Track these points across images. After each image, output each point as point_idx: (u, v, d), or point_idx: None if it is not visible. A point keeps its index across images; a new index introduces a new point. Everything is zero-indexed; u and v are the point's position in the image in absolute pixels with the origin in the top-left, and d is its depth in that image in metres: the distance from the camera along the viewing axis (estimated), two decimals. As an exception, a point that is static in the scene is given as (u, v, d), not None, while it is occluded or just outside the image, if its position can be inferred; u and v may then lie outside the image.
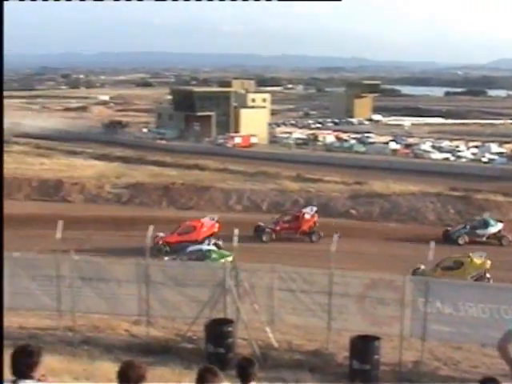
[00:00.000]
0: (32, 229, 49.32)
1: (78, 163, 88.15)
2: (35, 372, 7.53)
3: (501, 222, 53.62)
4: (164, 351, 20.95)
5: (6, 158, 71.95)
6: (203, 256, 39.89)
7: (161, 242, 45.30)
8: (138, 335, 23.05)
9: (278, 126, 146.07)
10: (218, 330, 20.63)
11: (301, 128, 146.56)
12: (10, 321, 23.30)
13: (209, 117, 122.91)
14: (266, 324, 21.83)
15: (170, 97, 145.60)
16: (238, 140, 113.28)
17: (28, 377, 7.45)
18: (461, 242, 51.03)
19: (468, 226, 52.91)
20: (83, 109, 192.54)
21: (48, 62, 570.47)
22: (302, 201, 62.87)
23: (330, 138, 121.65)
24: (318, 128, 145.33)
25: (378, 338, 19.99)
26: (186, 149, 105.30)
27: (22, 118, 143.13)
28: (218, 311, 21.53)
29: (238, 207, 63.84)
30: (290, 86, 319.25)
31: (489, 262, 39.45)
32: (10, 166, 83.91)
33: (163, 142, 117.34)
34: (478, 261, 39.66)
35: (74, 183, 71.30)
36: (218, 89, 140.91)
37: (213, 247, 43.49)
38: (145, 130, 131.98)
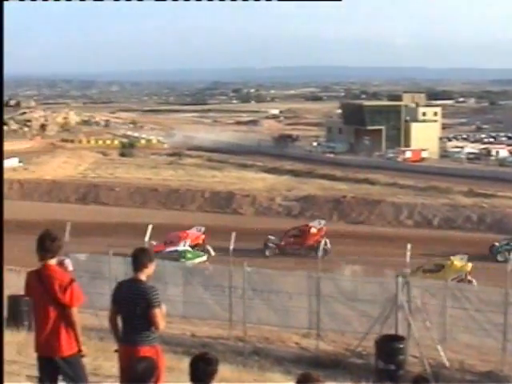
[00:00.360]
0: (206, 239, 50.33)
1: (248, 176, 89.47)
2: (213, 380, 7.63)
3: None
4: (333, 365, 20.91)
5: (179, 170, 74.65)
6: (179, 256, 44.35)
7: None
8: (308, 348, 23.10)
9: (450, 140, 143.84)
10: (389, 347, 20.39)
11: (473, 142, 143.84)
12: (183, 329, 23.85)
13: (379, 131, 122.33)
14: (438, 342, 21.47)
15: (339, 111, 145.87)
16: (408, 154, 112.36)
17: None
18: (500, 258, 48.20)
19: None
20: (254, 123, 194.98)
21: (220, 76, 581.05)
22: (475, 216, 61.73)
23: (503, 152, 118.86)
24: (490, 142, 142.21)
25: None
26: (355, 163, 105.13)
27: (195, 131, 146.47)
28: (389, 327, 21.30)
29: (408, 222, 63.26)
30: (461, 99, 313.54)
31: (470, 265, 39.90)
32: (183, 178, 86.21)
33: (331, 155, 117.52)
34: (458, 263, 40.26)
35: (245, 195, 72.35)
36: (389, 102, 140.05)
37: (188, 248, 48.13)
38: (314, 143, 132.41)
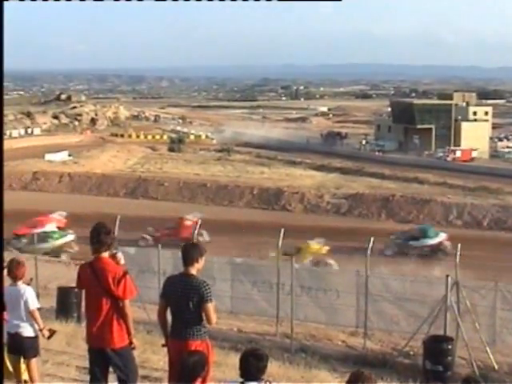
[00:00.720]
0: (253, 235, 50.35)
1: (297, 173, 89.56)
2: (263, 375, 7.66)
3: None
4: (380, 364, 20.85)
5: (228, 166, 75.10)
6: (46, 237, 48.27)
7: None
8: (355, 346, 23.07)
9: (500, 140, 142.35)
10: (438, 347, 20.29)
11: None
12: (230, 324, 23.96)
13: (429, 130, 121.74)
14: (487, 344, 21.30)
15: (389, 109, 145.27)
16: (458, 154, 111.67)
17: (257, 379, 7.58)
18: (387, 253, 48.38)
19: (401, 237, 51.53)
20: (303, 120, 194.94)
21: (269, 73, 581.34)
22: (526, 217, 61.35)
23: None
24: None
25: None
26: (404, 161, 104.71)
27: (244, 127, 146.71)
28: (437, 328, 21.18)
29: (458, 222, 62.90)
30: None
31: (326, 248, 42.17)
32: (232, 174, 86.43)
33: (380, 154, 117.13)
34: (314, 246, 42.75)
35: (294, 192, 72.42)
36: (439, 101, 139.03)
37: (54, 229, 51.49)
38: (363, 141, 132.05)
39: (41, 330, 11.00)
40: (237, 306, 24.51)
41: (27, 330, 10.85)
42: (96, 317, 9.19)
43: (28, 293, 10.93)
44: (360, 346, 22.80)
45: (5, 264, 10.04)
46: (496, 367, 21.17)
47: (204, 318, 8.98)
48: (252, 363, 7.65)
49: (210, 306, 8.94)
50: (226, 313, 24.08)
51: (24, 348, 10.82)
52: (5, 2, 7.30)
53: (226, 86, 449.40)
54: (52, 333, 11.29)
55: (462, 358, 21.22)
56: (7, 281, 10.54)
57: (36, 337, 10.95)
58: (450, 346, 20.40)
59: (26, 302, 10.83)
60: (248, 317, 24.86)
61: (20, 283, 10.86)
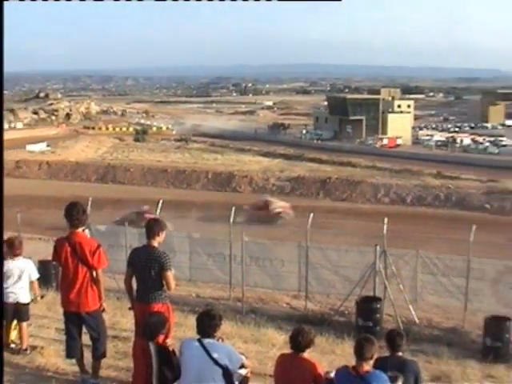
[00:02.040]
0: (208, 213, 50.32)
1: (246, 159, 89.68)
2: (216, 332, 7.71)
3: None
4: (319, 322, 21.00)
5: (186, 154, 74.53)
6: None
7: None
8: (297, 308, 23.24)
9: (421, 129, 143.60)
10: (368, 306, 20.54)
11: (441, 131, 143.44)
12: (189, 290, 24.00)
13: (360, 120, 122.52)
14: (410, 302, 21.60)
15: (326, 103, 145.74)
16: (385, 141, 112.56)
17: (210, 336, 7.63)
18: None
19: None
20: (251, 113, 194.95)
21: (222, 72, 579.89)
22: (442, 195, 61.93)
23: (466, 140, 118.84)
24: (456, 131, 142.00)
25: (509, 319, 19.44)
26: (339, 148, 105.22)
27: (200, 120, 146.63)
28: (368, 290, 21.41)
29: (385, 199, 63.38)
30: (431, 94, 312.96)
31: None
32: (189, 160, 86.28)
33: (318, 142, 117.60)
34: None
35: (244, 176, 72.46)
36: (369, 96, 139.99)
37: None
38: (304, 131, 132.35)
39: (37, 298, 11.18)
40: (195, 274, 24.54)
41: (26, 298, 10.91)
42: (73, 284, 9.17)
43: (30, 265, 11.07)
44: (302, 307, 22.96)
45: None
46: (417, 322, 21.47)
47: (164, 284, 9.01)
48: (206, 322, 7.71)
49: (170, 274, 8.96)
50: (186, 281, 24.09)
51: (21, 314, 10.88)
52: (5, 2, 7.14)
53: (183, 83, 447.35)
54: (42, 298, 11.51)
55: (388, 315, 21.46)
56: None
57: (29, 303, 10.99)
58: (378, 305, 20.65)
59: (29, 274, 10.93)
60: (205, 284, 24.90)
61: (21, 258, 10.89)
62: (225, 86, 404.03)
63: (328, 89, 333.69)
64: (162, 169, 78.29)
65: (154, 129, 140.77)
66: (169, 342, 8.20)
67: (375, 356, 7.51)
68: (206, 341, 7.60)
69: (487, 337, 19.13)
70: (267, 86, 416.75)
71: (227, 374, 7.56)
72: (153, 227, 9.22)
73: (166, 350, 8.00)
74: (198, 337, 7.71)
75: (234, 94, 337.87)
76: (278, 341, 14.18)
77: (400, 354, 8.25)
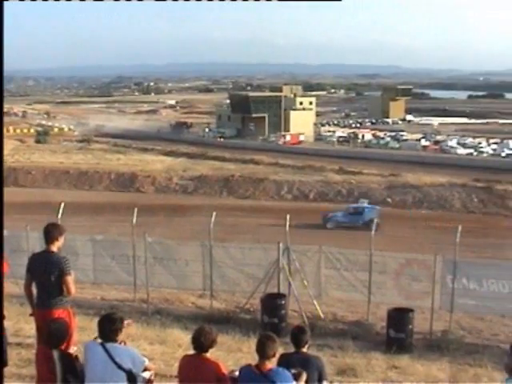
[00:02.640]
0: (111, 215, 49.75)
1: (149, 159, 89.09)
2: (118, 336, 7.65)
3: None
4: (225, 321, 21.03)
5: (88, 155, 73.60)
6: None
7: None
8: (203, 307, 23.21)
9: (323, 125, 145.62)
10: (273, 303, 20.67)
11: (342, 127, 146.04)
12: (94, 293, 23.71)
13: (262, 118, 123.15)
14: (314, 298, 21.82)
15: (228, 101, 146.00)
16: (287, 138, 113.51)
17: (112, 340, 7.57)
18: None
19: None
20: (153, 112, 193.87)
21: (123, 71, 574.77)
22: (345, 191, 62.83)
23: (368, 135, 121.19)
24: (357, 127, 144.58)
25: (411, 310, 19.88)
26: (242, 146, 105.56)
27: (102, 120, 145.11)
28: (272, 286, 21.55)
29: (288, 196, 63.90)
30: (332, 90, 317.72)
31: None
32: (92, 161, 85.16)
33: (221, 140, 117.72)
34: None
35: (147, 176, 72.06)
36: (270, 93, 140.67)
37: None
38: (206, 129, 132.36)
39: None
40: (99, 277, 24.23)
41: None
42: None
43: None
44: (208, 306, 22.93)
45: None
46: (322, 316, 21.68)
47: (64, 289, 8.88)
48: (107, 326, 7.63)
49: (69, 279, 8.85)
50: (90, 283, 23.81)
51: None
52: (5, 2, 6.98)
53: (85, 83, 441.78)
54: None
55: (294, 310, 21.64)
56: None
57: None
58: (283, 302, 20.79)
59: None
60: (109, 286, 24.61)
61: None
62: (127, 86, 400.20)
63: (230, 87, 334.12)
64: (64, 170, 77.07)
65: (56, 130, 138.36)
66: (72, 349, 8.10)
67: (278, 353, 7.56)
68: (109, 345, 7.53)
69: (391, 328, 19.50)
70: (169, 84, 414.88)
71: (131, 377, 7.51)
72: (51, 232, 9.07)
73: (69, 357, 7.89)
74: (99, 341, 7.63)
75: (137, 94, 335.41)
76: (183, 341, 14.10)
77: (304, 350, 8.31)
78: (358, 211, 51.37)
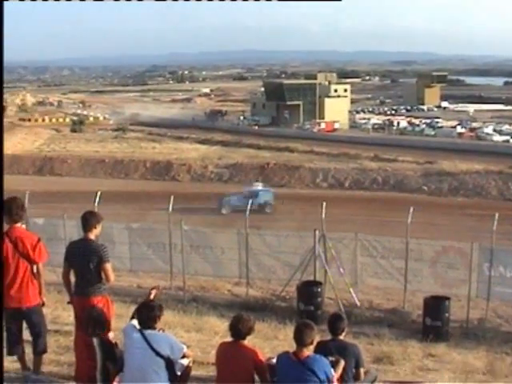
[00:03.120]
0: (147, 203, 49.98)
1: (184, 147, 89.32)
2: (157, 323, 7.70)
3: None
4: (261, 308, 21.11)
5: (123, 144, 73.68)
6: None
7: None
8: (239, 294, 23.30)
9: (358, 112, 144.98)
10: (309, 291, 20.68)
11: (377, 114, 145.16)
12: (130, 281, 23.87)
13: (297, 105, 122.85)
14: (350, 285, 21.81)
15: (262, 89, 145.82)
16: (322, 126, 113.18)
17: (151, 327, 7.62)
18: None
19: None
20: (188, 100, 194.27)
21: (158, 61, 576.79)
22: (380, 178, 62.56)
23: (403, 123, 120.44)
24: (392, 114, 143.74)
25: (448, 298, 19.80)
26: (277, 133, 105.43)
27: (138, 109, 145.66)
28: (308, 274, 21.56)
29: (323, 184, 63.77)
30: (367, 77, 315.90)
31: None
32: (127, 150, 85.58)
33: (256, 128, 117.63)
34: None
35: (182, 164, 72.28)
36: (305, 81, 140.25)
37: None
38: (241, 117, 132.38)
39: None
40: (135, 265, 24.43)
41: None
42: (14, 279, 9.03)
43: None
44: (243, 294, 23.04)
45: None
46: (358, 304, 21.69)
47: (103, 276, 8.94)
48: (145, 313, 7.70)
49: (108, 266, 8.90)
50: (126, 271, 24.01)
51: None
52: (5, 2, 7.03)
53: (119, 73, 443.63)
54: None
55: (329, 298, 21.68)
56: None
57: None
58: (319, 289, 20.81)
59: None
60: (145, 274, 24.76)
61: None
62: (161, 74, 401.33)
63: (265, 75, 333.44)
64: (100, 159, 77.55)
65: (91, 119, 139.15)
66: (111, 335, 8.18)
67: (315, 341, 7.58)
68: (147, 332, 7.59)
69: (427, 316, 19.46)
70: (204, 73, 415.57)
71: (169, 364, 7.57)
72: (89, 220, 9.13)
73: (109, 344, 7.99)
74: (139, 327, 7.70)
75: (171, 82, 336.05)
76: (220, 329, 14.18)
77: (341, 337, 8.32)
78: (252, 194, 51.20)
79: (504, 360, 14.66)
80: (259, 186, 54.50)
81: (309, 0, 18.37)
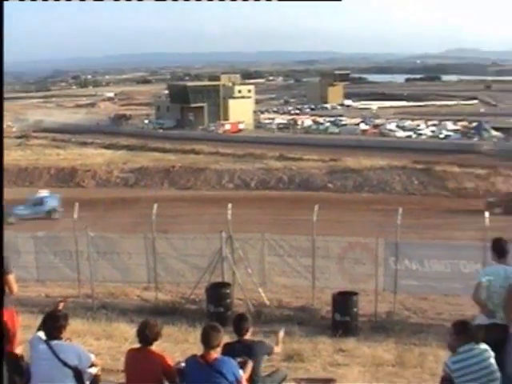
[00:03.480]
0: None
1: (89, 152, 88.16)
2: (63, 333, 7.62)
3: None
4: (171, 312, 21.06)
5: (27, 151, 72.09)
6: None
7: None
8: (148, 299, 23.19)
9: (262, 113, 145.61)
10: (217, 292, 20.75)
11: (282, 114, 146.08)
12: (38, 291, 23.48)
13: (201, 107, 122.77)
14: (259, 285, 21.96)
15: (166, 91, 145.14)
16: (227, 127, 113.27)
17: (57, 338, 7.54)
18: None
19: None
20: (92, 105, 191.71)
21: (59, 65, 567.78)
22: (286, 178, 63.00)
23: (307, 121, 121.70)
24: (296, 113, 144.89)
25: (356, 294, 20.14)
26: (182, 136, 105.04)
27: (42, 115, 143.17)
28: (217, 276, 21.64)
29: (230, 185, 63.87)
30: (271, 78, 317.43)
31: None
32: (31, 157, 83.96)
33: (161, 131, 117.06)
34: None
35: (87, 170, 71.37)
36: (209, 83, 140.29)
37: None
38: (146, 121, 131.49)
39: None
40: (42, 274, 24.03)
41: None
42: None
43: None
44: (153, 298, 22.93)
45: None
46: (268, 303, 21.85)
47: (6, 288, 8.79)
48: (49, 324, 7.61)
49: (10, 278, 8.75)
50: (33, 281, 23.63)
51: None
52: (5, 2, 6.85)
53: (21, 78, 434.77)
54: None
55: (239, 299, 21.80)
56: None
57: None
58: (228, 291, 20.91)
59: None
60: (53, 283, 24.40)
61: None
62: (64, 80, 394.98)
63: (168, 77, 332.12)
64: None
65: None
66: (19, 348, 8.06)
67: (222, 342, 7.62)
68: (54, 342, 7.50)
69: (336, 312, 19.75)
70: (107, 77, 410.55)
71: (77, 374, 7.50)
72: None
73: (14, 357, 7.86)
74: (45, 338, 7.60)
75: (74, 87, 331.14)
76: (129, 335, 14.06)
77: (246, 337, 8.38)
78: (38, 202, 51.50)
79: (412, 351, 14.96)
80: (44, 193, 53.77)
81: (308, 0, 18.51)
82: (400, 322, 20.53)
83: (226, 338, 8.02)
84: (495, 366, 7.26)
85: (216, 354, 7.43)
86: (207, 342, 7.43)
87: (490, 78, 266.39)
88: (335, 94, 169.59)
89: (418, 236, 34.83)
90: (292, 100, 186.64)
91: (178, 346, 13.43)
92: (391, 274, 21.12)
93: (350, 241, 22.68)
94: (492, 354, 7.31)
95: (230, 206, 21.79)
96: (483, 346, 7.32)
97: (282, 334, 8.51)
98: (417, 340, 17.38)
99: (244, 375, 7.69)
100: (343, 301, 19.96)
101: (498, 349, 7.63)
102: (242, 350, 8.13)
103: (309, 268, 21.73)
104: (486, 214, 20.85)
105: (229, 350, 7.95)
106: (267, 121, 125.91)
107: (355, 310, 19.82)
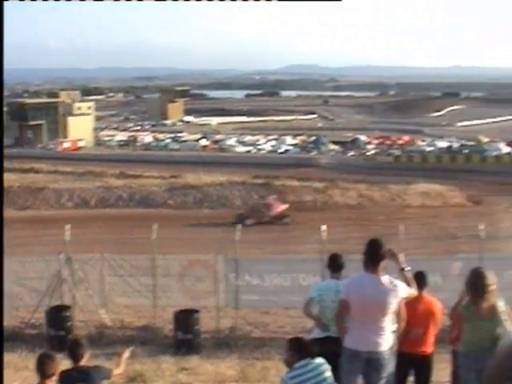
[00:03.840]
0: None
1: None
2: None
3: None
4: (11, 338, 20.45)
5: None
6: None
7: None
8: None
9: (102, 130, 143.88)
10: (57, 316, 20.41)
11: (122, 131, 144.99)
12: None
13: (40, 125, 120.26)
14: (100, 306, 21.73)
15: (6, 109, 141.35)
16: (66, 144, 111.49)
17: None
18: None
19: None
20: None
21: None
22: (126, 195, 62.50)
23: (147, 138, 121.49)
24: (137, 130, 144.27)
25: (197, 311, 20.29)
26: (21, 155, 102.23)
27: None
28: (57, 299, 21.27)
29: (69, 204, 62.71)
30: (111, 94, 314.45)
31: None
32: None
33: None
34: None
35: None
36: (47, 100, 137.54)
37: None
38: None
39: None
40: None
41: None
42: None
43: None
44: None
45: None
46: (110, 324, 21.66)
47: None
48: None
49: None
50: None
51: None
52: (5, 2, 6.43)
53: None
54: None
55: (81, 321, 21.47)
56: None
57: None
58: (68, 313, 20.61)
59: None
60: None
61: None
62: None
63: (7, 94, 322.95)
64: None
65: None
66: None
67: (58, 370, 7.52)
68: None
69: (178, 330, 19.83)
70: None
71: None
72: None
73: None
74: None
75: None
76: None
77: (82, 363, 8.27)
78: None
79: (255, 365, 15.22)
80: None
81: (308, 0, 18.28)
82: (243, 337, 20.82)
83: (67, 363, 7.93)
84: (332, 379, 7.54)
85: (52, 382, 7.32)
86: (42, 371, 7.31)
87: (327, 94, 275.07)
88: (175, 110, 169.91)
89: (261, 251, 35.20)
90: (132, 117, 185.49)
91: (18, 373, 13.16)
92: (232, 290, 21.41)
93: (189, 258, 22.80)
94: (328, 367, 7.58)
95: (67, 227, 21.47)
96: (319, 360, 7.57)
97: (126, 354, 8.50)
98: (260, 354, 17.69)
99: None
100: (185, 318, 20.06)
101: (334, 361, 7.93)
102: (79, 377, 8.02)
103: (150, 287, 21.72)
104: (239, 226, 21.68)
105: (65, 377, 7.83)
106: (107, 138, 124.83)
107: (197, 327, 19.97)
